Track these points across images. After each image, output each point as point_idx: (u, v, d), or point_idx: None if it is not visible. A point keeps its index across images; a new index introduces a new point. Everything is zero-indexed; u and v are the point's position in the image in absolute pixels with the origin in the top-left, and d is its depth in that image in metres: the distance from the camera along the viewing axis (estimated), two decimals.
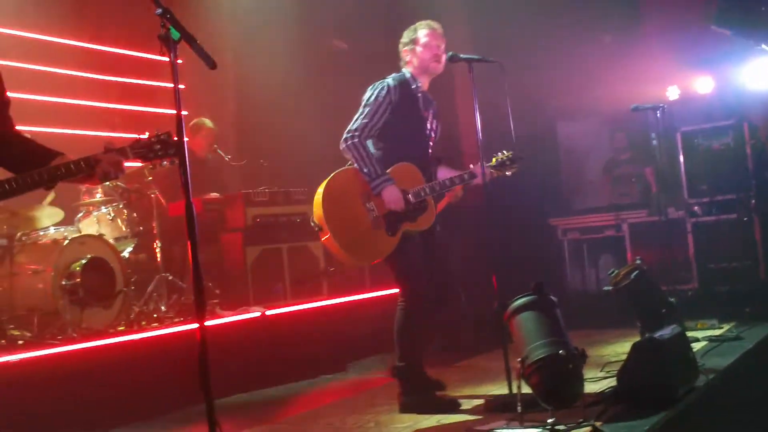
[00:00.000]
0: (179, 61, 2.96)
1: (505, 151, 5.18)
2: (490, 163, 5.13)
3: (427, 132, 5.15)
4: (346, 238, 4.82)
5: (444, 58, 5.03)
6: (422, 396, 4.88)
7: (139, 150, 3.11)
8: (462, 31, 9.15)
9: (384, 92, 4.99)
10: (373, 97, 5.00)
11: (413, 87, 5.10)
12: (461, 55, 4.96)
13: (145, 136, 3.12)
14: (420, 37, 5.11)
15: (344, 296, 7.39)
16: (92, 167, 2.97)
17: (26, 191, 2.90)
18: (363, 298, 7.43)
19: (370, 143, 4.97)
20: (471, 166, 5.11)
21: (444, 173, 5.14)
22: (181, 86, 2.99)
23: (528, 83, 7.77)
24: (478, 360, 6.53)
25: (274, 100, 9.51)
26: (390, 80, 5.07)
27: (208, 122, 8.13)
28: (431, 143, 5.19)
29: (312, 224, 4.93)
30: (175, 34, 2.89)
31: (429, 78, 5.17)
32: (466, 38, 8.17)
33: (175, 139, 3.02)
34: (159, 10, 2.89)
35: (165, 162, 3.15)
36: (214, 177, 8.08)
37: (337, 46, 10.49)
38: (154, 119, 8.80)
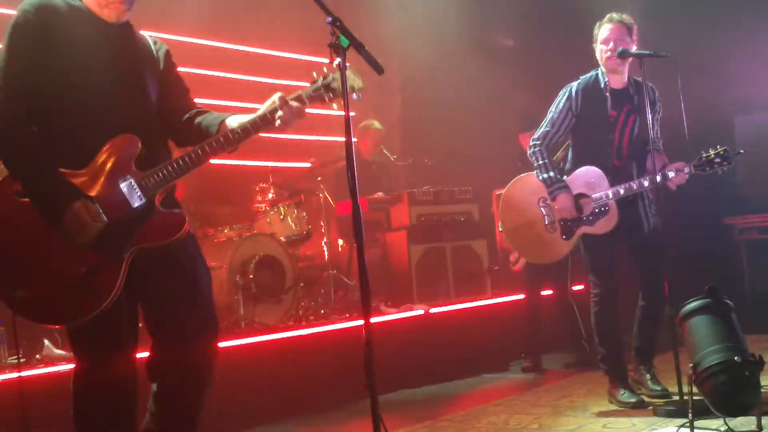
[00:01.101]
0: (347, 65, 3.03)
1: (718, 147, 4.78)
2: (697, 162, 4.77)
3: (617, 132, 4.97)
4: (519, 240, 5.30)
5: (613, 53, 4.87)
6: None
7: (315, 94, 3.07)
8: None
9: (564, 99, 5.04)
10: (555, 104, 5.09)
11: (601, 86, 4.99)
12: (631, 51, 4.83)
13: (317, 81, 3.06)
14: (597, 33, 5.01)
15: (507, 295, 7.33)
16: (273, 118, 3.01)
17: (217, 154, 2.97)
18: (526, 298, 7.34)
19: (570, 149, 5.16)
20: (674, 169, 4.79)
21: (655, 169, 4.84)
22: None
23: (703, 77, 7.43)
24: None
25: (439, 99, 9.55)
26: (575, 84, 5.06)
27: (376, 123, 8.29)
28: (626, 141, 4.99)
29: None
30: (344, 42, 2.96)
31: (617, 74, 4.98)
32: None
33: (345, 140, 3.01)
34: (329, 19, 2.97)
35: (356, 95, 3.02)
36: (380, 177, 8.22)
37: (503, 43, 10.42)
38: (323, 120, 9.10)
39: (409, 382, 6.14)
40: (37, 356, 5.14)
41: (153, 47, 3.19)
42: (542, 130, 5.06)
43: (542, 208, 5.09)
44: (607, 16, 4.98)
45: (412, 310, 6.72)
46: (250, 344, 5.52)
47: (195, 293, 3.11)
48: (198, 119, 3.14)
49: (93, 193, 2.79)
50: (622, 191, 4.84)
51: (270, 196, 7.29)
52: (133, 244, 2.84)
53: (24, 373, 4.27)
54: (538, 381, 6.13)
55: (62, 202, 2.73)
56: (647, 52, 4.76)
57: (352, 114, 3.03)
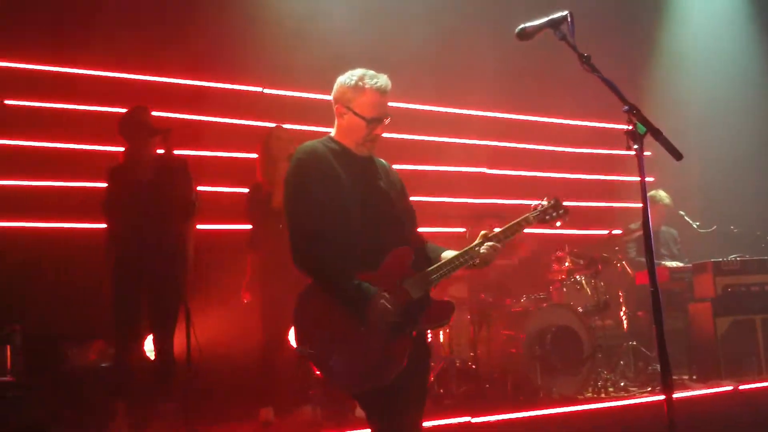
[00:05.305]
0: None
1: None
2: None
3: None
4: None
5: None
6: None
7: (538, 217, 3.77)
8: None
9: None
10: None
11: None
12: None
13: (538, 203, 3.80)
14: None
15: None
16: (474, 258, 3.55)
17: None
18: None
19: None
20: None
21: None
22: (647, 153, 3.06)
23: None
24: None
25: (742, 163, 9.10)
26: None
27: (665, 199, 8.08)
28: None
29: None
30: (641, 129, 3.01)
31: None
32: None
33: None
34: (626, 107, 3.04)
35: (559, 223, 3.79)
36: (668, 244, 8.02)
37: None
38: (622, 186, 9.04)
39: None
40: (350, 417, 5.53)
41: (390, 171, 3.78)
42: None
43: None
44: None
45: (719, 385, 6.38)
46: (547, 415, 5.53)
47: (427, 379, 3.64)
48: (427, 246, 3.76)
49: (385, 289, 3.39)
50: None
51: (566, 265, 7.32)
52: (416, 325, 3.44)
53: None
54: None
55: (365, 298, 3.33)
56: None
57: (650, 179, 3.06)
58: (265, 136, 6.15)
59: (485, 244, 3.57)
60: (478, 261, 3.55)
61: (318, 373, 3.36)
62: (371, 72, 3.59)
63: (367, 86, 3.55)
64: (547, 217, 3.79)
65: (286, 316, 5.87)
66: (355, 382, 3.32)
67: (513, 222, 3.68)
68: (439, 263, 3.54)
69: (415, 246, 3.61)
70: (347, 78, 3.59)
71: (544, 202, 3.80)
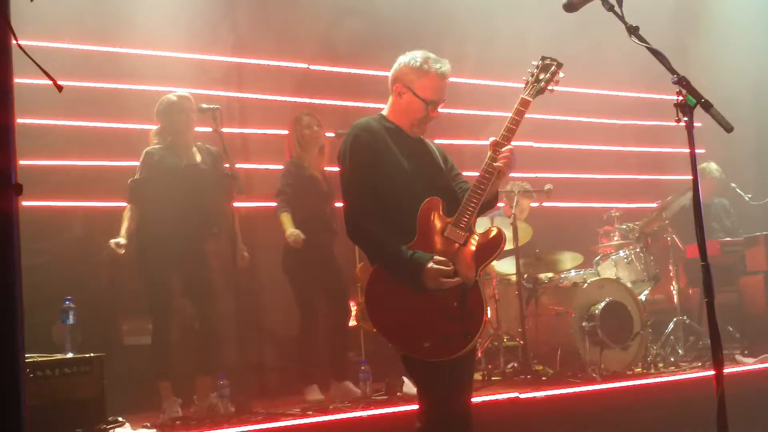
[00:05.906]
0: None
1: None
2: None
3: None
4: None
5: None
6: None
7: (530, 89, 3.58)
8: None
9: None
10: None
11: None
12: None
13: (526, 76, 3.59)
14: None
15: None
16: (495, 170, 3.45)
17: (479, 198, 3.46)
18: None
19: None
20: None
21: None
22: (698, 124, 3.02)
23: None
24: None
25: None
26: None
27: (714, 171, 7.97)
28: None
29: None
30: (690, 101, 2.96)
31: None
32: None
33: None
34: (675, 78, 3.00)
35: (561, 74, 3.60)
36: (720, 218, 7.95)
37: None
38: (670, 157, 8.94)
39: None
40: (398, 393, 5.58)
41: (437, 150, 3.79)
42: None
43: None
44: None
45: None
46: (596, 391, 5.53)
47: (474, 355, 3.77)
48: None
49: (431, 249, 3.41)
50: None
51: (615, 239, 7.26)
52: (477, 267, 3.42)
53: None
54: None
55: (418, 268, 3.34)
56: None
57: (700, 151, 3.01)
58: (292, 123, 6.15)
59: (499, 154, 3.46)
60: (503, 173, 3.47)
61: (419, 360, 3.37)
62: (434, 56, 3.63)
63: (432, 69, 3.58)
64: (542, 82, 3.60)
65: (318, 295, 5.95)
66: (454, 349, 3.31)
67: (512, 113, 3.53)
68: (466, 196, 3.48)
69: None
70: (411, 59, 3.62)
71: (531, 71, 3.62)
